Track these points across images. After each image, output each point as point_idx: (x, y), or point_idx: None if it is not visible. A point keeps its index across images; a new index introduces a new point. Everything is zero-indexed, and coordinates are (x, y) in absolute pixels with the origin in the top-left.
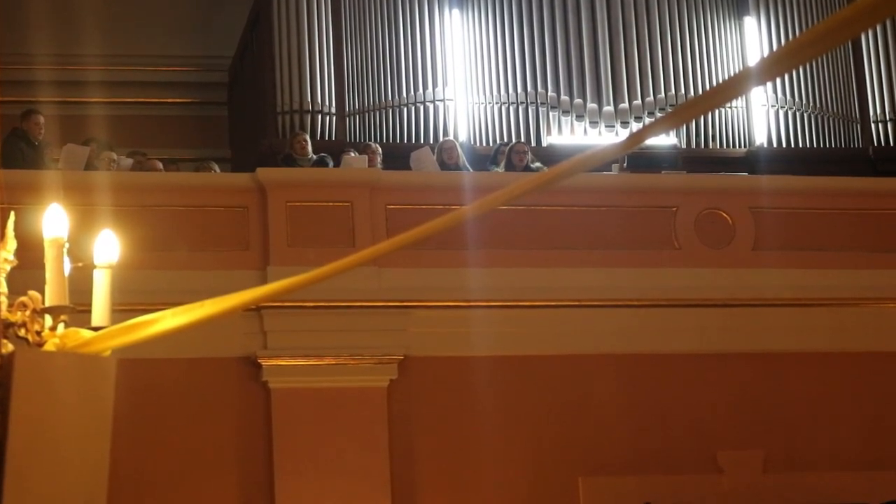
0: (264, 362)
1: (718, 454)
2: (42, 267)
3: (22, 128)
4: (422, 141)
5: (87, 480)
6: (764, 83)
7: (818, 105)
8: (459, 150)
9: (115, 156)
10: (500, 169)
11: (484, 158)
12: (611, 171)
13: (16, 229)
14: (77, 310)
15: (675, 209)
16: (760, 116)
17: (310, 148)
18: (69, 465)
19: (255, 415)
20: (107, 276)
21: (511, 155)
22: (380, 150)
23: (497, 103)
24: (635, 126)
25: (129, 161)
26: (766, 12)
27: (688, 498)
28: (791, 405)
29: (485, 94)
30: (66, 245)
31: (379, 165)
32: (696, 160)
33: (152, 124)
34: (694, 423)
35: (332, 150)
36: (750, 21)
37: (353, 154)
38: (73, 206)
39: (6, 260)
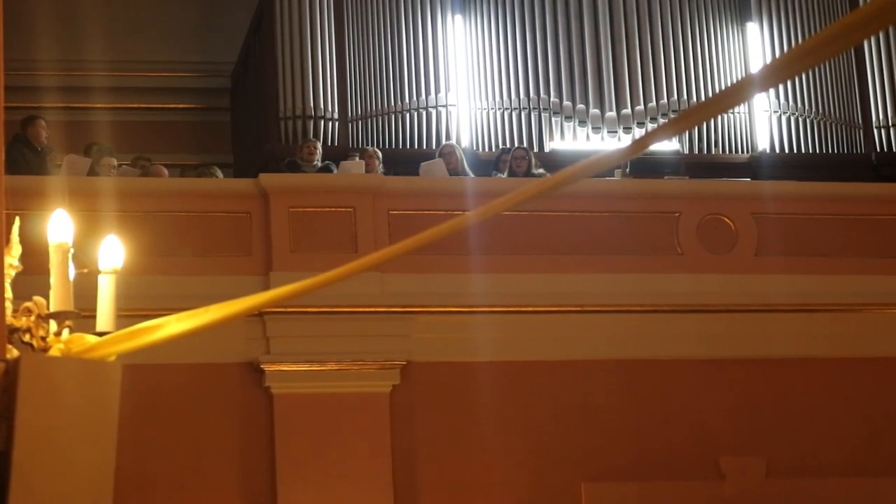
0: (267, 368)
1: (721, 460)
2: (47, 272)
3: (24, 134)
4: (424, 147)
5: (92, 485)
6: (767, 89)
7: (821, 111)
8: (460, 154)
9: (115, 162)
10: (503, 175)
11: (487, 164)
12: (613, 176)
13: (20, 235)
14: (82, 315)
15: (677, 215)
16: (763, 122)
17: (319, 156)
18: (74, 470)
19: (258, 420)
20: (111, 281)
21: (511, 161)
22: (379, 154)
23: (500, 109)
24: (638, 132)
25: (136, 171)
26: (768, 18)
27: None
28: (793, 411)
29: (487, 99)
30: (71, 250)
31: (379, 170)
32: (698, 166)
33: (155, 130)
34: (696, 429)
35: (335, 155)
36: (752, 27)
37: (356, 159)
38: (78, 212)
39: (11, 265)
